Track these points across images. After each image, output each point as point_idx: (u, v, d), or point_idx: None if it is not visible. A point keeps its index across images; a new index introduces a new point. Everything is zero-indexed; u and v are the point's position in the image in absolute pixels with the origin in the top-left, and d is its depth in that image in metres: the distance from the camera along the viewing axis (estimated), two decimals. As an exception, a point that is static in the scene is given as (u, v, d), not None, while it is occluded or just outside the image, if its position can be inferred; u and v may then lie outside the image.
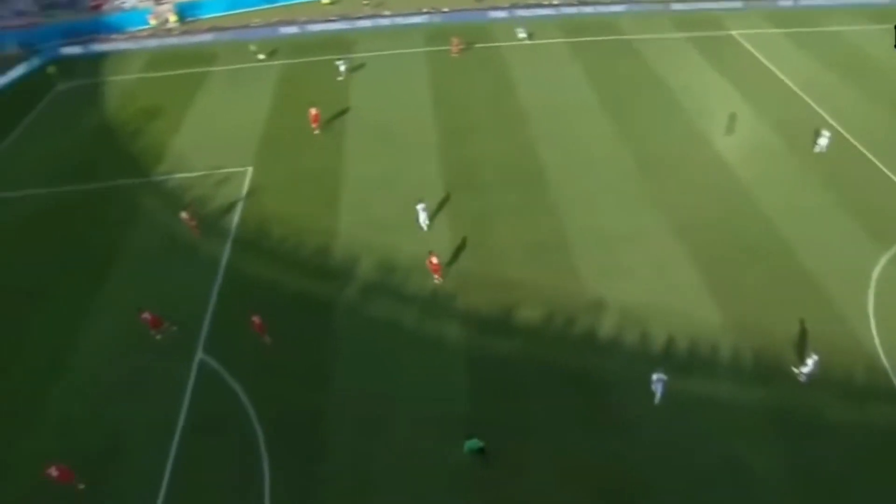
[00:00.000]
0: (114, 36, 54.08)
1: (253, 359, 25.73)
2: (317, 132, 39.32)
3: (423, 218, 31.10)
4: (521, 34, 49.25)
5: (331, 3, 56.54)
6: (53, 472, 20.63)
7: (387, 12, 53.10)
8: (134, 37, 54.07)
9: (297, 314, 27.46)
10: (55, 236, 33.16)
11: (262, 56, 49.89)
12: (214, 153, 38.02)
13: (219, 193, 34.87)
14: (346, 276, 29.06)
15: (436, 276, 28.11)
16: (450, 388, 23.93)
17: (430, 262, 27.70)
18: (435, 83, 44.48)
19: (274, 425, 23.29)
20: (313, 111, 39.60)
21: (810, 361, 22.93)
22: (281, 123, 40.50)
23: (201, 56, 50.81)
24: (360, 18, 52.99)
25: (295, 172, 35.91)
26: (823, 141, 35.13)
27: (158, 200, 35.02)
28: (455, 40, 48.17)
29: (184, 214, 31.88)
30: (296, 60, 48.91)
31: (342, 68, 44.97)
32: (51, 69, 49.43)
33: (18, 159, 40.00)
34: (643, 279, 27.61)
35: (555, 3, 54.30)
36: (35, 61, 51.08)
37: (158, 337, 26.74)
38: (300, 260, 30.13)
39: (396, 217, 31.80)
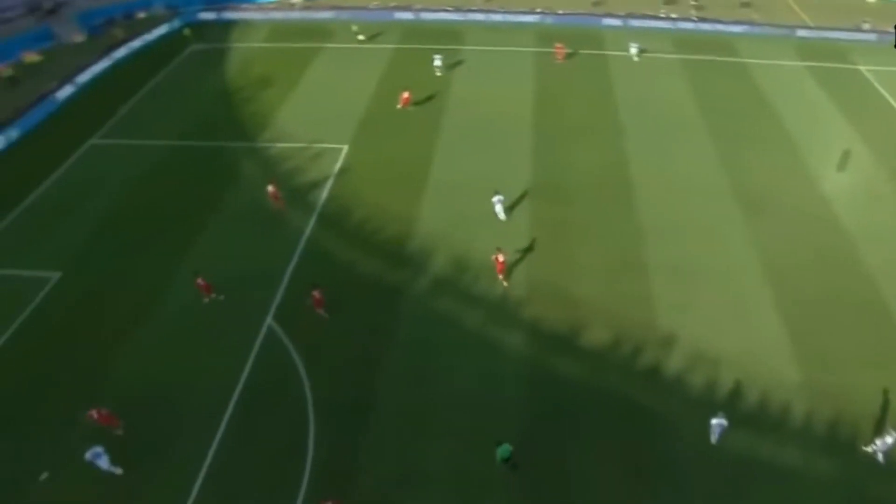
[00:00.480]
0: (244, 5, 55.75)
1: (315, 332, 25.68)
2: (408, 108, 39.26)
3: (499, 209, 30.39)
4: (633, 49, 46.04)
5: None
6: (94, 414, 21.17)
7: (500, 8, 51.66)
8: (262, 8, 55.68)
9: (365, 296, 27.24)
10: (167, 185, 34.69)
11: (361, 37, 49.81)
12: (315, 127, 38.34)
13: (313, 167, 35.19)
14: (418, 265, 28.54)
15: (500, 276, 27.15)
16: (499, 397, 22.96)
17: (497, 260, 26.79)
18: (538, 84, 42.85)
19: (324, 400, 23.16)
20: (405, 94, 39.44)
21: (889, 439, 20.37)
22: (381, 107, 40.26)
23: (318, 32, 51.45)
24: (473, 11, 51.93)
25: (387, 156, 35.57)
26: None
27: (258, 166, 35.75)
28: (559, 46, 45.87)
29: (270, 188, 32.13)
30: (406, 46, 48.44)
31: (437, 63, 43.64)
32: (187, 31, 51.53)
33: (148, 111, 42.12)
34: (721, 319, 25.36)
35: (672, 15, 51.17)
36: (176, 23, 53.41)
37: (206, 300, 27.21)
38: (378, 243, 29.84)
39: (478, 214, 30.83)
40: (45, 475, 21.38)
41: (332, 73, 44.92)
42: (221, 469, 21.33)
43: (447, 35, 49.63)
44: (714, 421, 20.66)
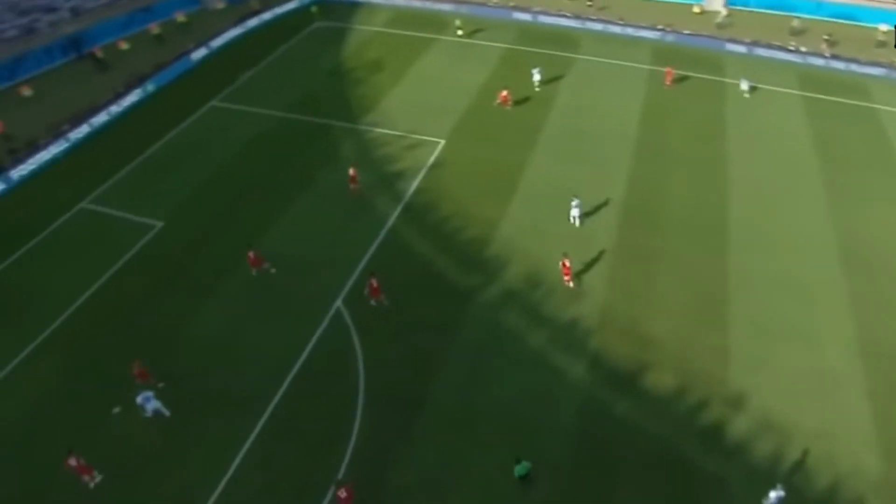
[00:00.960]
0: (372, -13, 55.95)
1: (380, 322, 25.41)
2: (507, 107, 38.18)
3: (575, 213, 29.26)
4: (744, 86, 41.57)
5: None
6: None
7: (619, 20, 49.06)
8: (385, -9, 55.62)
9: (435, 293, 26.68)
10: (269, 155, 35.62)
11: (460, 32, 48.40)
12: (416, 117, 37.89)
13: (407, 157, 34.85)
14: (492, 271, 27.57)
15: (566, 279, 26.14)
16: (547, 420, 21.80)
17: (563, 265, 25.84)
18: (646, 103, 40.04)
19: (376, 390, 22.89)
20: (504, 92, 38.28)
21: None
22: (484, 105, 39.17)
23: (436, 22, 50.66)
24: (591, 20, 49.56)
25: (482, 156, 34.62)
26: None
27: (355, 148, 35.88)
28: (669, 70, 42.20)
29: (351, 171, 31.97)
30: (519, 47, 46.70)
31: (536, 77, 41.04)
32: (314, 8, 52.34)
33: (265, 81, 43.28)
34: (800, 387, 22.70)
35: (801, 49, 46.62)
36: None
37: (254, 273, 27.36)
38: (457, 243, 29.16)
39: (563, 228, 29.48)
40: (117, 409, 22.49)
41: (441, 65, 44.28)
42: (266, 440, 21.51)
43: (562, 41, 47.57)
44: (773, 494, 18.61)
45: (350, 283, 27.11)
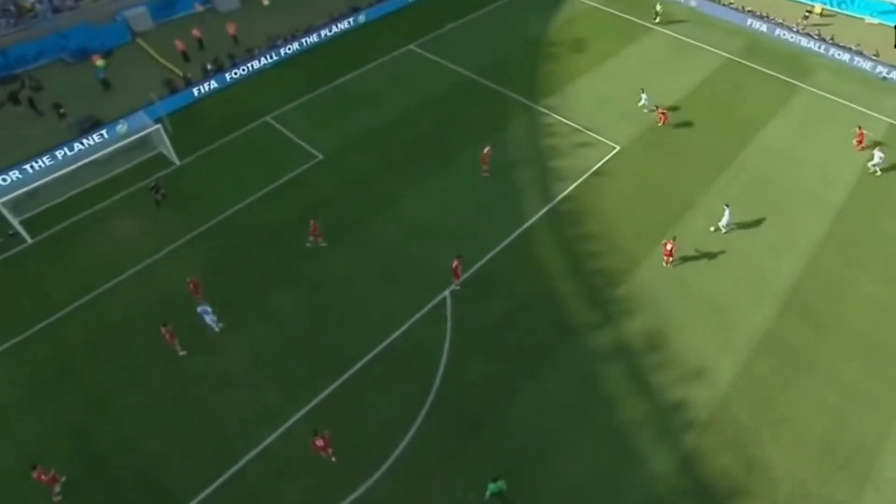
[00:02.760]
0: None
1: (481, 324, 23.03)
2: (665, 126, 31.81)
3: (726, 220, 25.46)
4: None
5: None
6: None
7: (879, 57, 38.23)
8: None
9: (544, 314, 23.46)
10: (443, 114, 33.43)
11: (658, 20, 40.92)
12: (599, 114, 33.03)
13: (574, 154, 30.65)
14: (613, 315, 23.45)
15: (667, 260, 23.25)
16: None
17: (665, 247, 23.44)
18: (866, 169, 29.92)
19: (449, 395, 20.91)
20: (661, 110, 32.04)
21: None
22: (678, 121, 32.61)
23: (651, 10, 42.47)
24: (838, 47, 39.19)
25: (651, 176, 29.25)
26: None
27: (526, 129, 32.30)
28: (859, 132, 30.80)
29: (486, 149, 28.80)
30: (743, 61, 37.58)
31: (644, 101, 33.35)
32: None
33: (466, 36, 40.23)
34: None
35: None
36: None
37: (308, 244, 25.79)
38: (588, 269, 25.21)
39: (708, 288, 24.16)
40: (221, 324, 23.05)
41: (647, 61, 37.59)
42: (329, 403, 20.76)
43: (792, 63, 37.45)
44: None
45: (470, 272, 24.74)
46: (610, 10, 42.81)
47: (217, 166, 30.09)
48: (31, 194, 26.98)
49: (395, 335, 22.68)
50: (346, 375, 21.49)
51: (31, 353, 22.39)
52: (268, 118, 32.79)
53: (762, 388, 21.11)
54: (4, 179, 28.46)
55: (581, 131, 31.93)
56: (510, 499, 18.00)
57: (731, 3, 42.60)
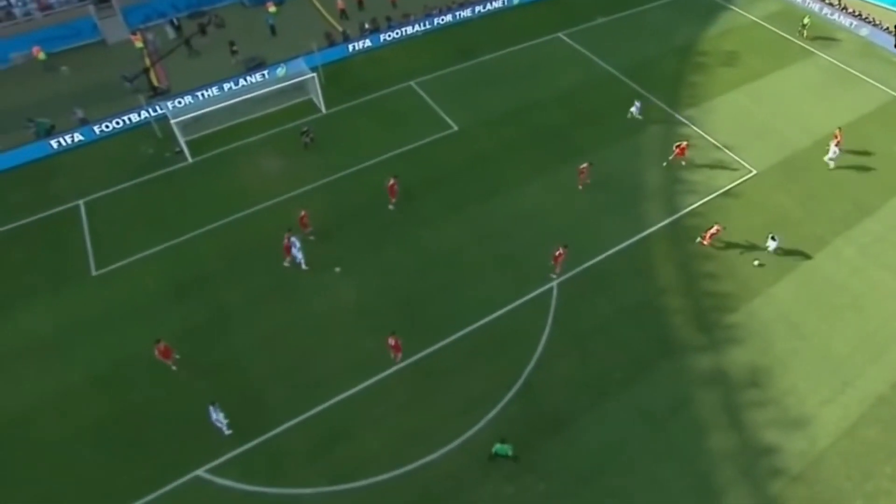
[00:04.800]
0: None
1: (582, 320, 22.16)
2: (681, 160, 28.23)
3: (772, 246, 23.48)
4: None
5: None
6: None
7: None
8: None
9: (645, 329, 22.04)
10: (572, 109, 31.72)
11: (805, 34, 36.77)
12: (739, 134, 30.14)
13: (706, 171, 28.27)
14: (720, 342, 21.65)
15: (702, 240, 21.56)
16: None
17: (707, 235, 21.62)
18: None
19: (532, 390, 20.31)
20: (681, 144, 28.11)
21: None
22: (821, 156, 28.75)
23: (826, 33, 37.92)
24: None
25: (782, 210, 26.35)
26: None
27: (660, 134, 30.14)
28: None
29: (584, 165, 26.90)
30: None
31: (634, 110, 30.48)
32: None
33: (614, 32, 37.84)
34: None
35: None
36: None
37: (390, 206, 25.74)
38: (702, 289, 23.36)
39: (835, 343, 21.55)
40: (338, 269, 23.81)
41: (801, 87, 33.54)
42: (420, 366, 20.81)
43: None
44: None
45: (579, 268, 23.83)
46: (769, 26, 38.65)
47: (358, 120, 30.66)
48: (197, 119, 28.90)
49: (496, 314, 22.33)
50: (443, 343, 21.46)
51: (175, 259, 24.16)
52: (412, 83, 32.92)
53: (864, 455, 18.83)
54: (179, 102, 30.62)
55: (718, 148, 29.39)
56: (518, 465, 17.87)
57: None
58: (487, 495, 17.88)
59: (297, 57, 32.43)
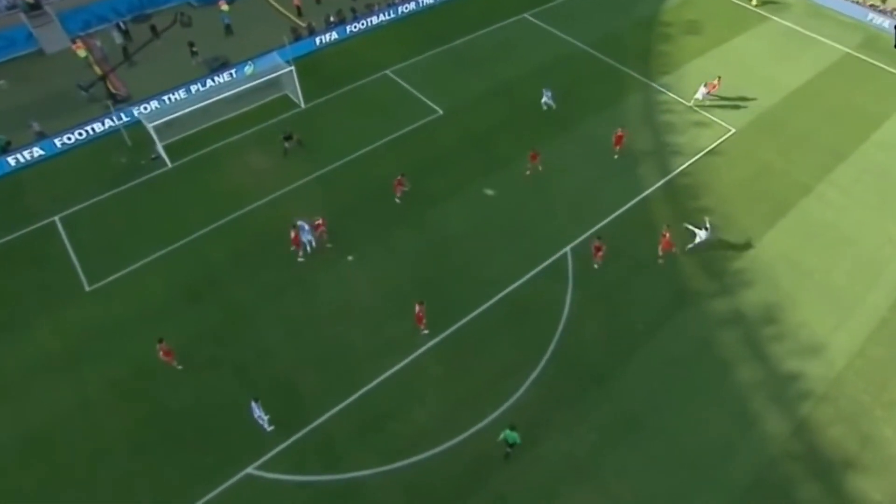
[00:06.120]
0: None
1: (600, 281, 24.41)
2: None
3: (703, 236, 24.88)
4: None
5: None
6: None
7: None
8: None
9: (658, 282, 24.59)
10: (560, 80, 33.97)
11: (754, 2, 41.08)
12: (718, 97, 33.35)
13: (689, 132, 31.54)
14: (729, 286, 24.46)
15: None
16: (714, 474, 19.38)
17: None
18: None
19: (564, 349, 22.32)
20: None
21: None
22: (793, 109, 32.90)
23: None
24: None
25: (764, 163, 29.78)
26: None
27: (640, 103, 33.27)
28: None
29: (619, 130, 29.62)
30: (863, 57, 37.24)
31: (545, 99, 32.58)
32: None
33: (578, 9, 40.89)
34: None
35: None
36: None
37: (396, 199, 27.23)
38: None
39: (824, 278, 24.76)
40: (350, 258, 25.11)
41: (761, 49, 37.77)
42: (448, 344, 22.34)
43: None
44: None
45: (585, 235, 26.12)
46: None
47: (341, 112, 32.18)
48: (168, 124, 29.27)
49: (516, 284, 24.25)
50: (468, 318, 23.15)
51: (178, 264, 24.86)
52: (388, 72, 34.73)
53: (877, 371, 21.94)
54: (146, 108, 31.09)
55: (696, 111, 32.72)
56: (516, 453, 19.22)
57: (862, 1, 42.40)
58: (547, 452, 19.68)
59: (267, 53, 33.65)
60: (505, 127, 31.43)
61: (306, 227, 24.61)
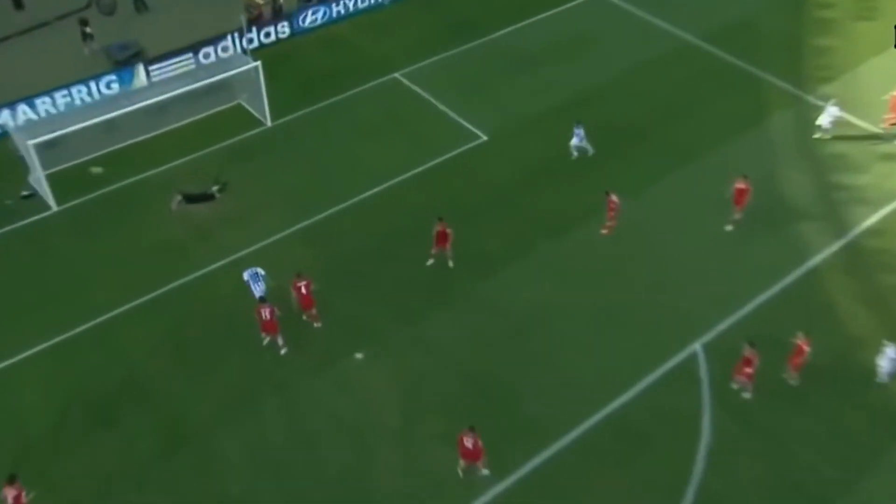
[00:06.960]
0: None
1: (751, 404, 23.56)
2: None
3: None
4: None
5: None
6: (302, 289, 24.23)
7: None
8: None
9: (847, 395, 23.70)
10: (659, 93, 35.40)
11: None
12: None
13: (874, 170, 31.56)
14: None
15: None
16: None
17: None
18: None
19: (717, 492, 21.32)
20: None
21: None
22: None
23: None
24: None
25: None
26: None
27: (790, 126, 33.82)
28: None
29: (741, 185, 29.12)
30: None
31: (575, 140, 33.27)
32: None
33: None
34: None
35: None
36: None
37: (429, 261, 27.57)
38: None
39: None
40: (359, 355, 24.58)
41: None
42: (526, 486, 21.60)
43: None
44: None
45: (724, 325, 25.75)
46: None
47: (328, 132, 33.01)
48: (50, 144, 28.92)
49: (624, 398, 23.72)
50: (551, 450, 22.36)
51: (74, 364, 24.21)
52: (396, 74, 36.00)
53: None
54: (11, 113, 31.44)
55: (881, 139, 33.09)
56: None
57: None
58: None
59: (217, 39, 34.56)
60: (584, 160, 31.94)
61: (261, 273, 25.22)
